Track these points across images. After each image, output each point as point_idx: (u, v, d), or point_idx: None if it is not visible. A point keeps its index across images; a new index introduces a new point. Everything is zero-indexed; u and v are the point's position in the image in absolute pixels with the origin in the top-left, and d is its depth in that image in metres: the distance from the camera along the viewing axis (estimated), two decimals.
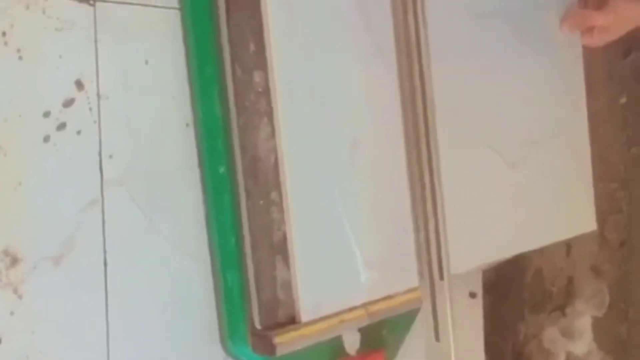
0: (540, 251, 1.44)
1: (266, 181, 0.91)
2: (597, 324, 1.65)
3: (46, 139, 0.78)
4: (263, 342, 0.87)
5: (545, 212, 1.25)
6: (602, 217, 1.68)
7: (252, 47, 0.90)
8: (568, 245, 1.58)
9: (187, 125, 0.89)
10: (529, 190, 1.22)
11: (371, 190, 0.99)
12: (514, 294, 1.48)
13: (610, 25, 1.24)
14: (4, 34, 0.75)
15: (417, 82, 0.91)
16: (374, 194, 0.99)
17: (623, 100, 1.75)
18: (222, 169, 0.89)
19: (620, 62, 1.73)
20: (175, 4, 0.88)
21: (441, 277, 0.91)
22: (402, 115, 0.92)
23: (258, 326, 0.89)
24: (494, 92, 1.17)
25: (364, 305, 0.96)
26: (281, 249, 0.91)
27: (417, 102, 0.91)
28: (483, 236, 1.15)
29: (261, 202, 0.90)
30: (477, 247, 1.14)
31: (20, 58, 0.77)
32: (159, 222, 0.86)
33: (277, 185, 0.91)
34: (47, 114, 0.78)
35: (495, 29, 1.16)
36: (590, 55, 1.62)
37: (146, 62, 0.86)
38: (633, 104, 1.75)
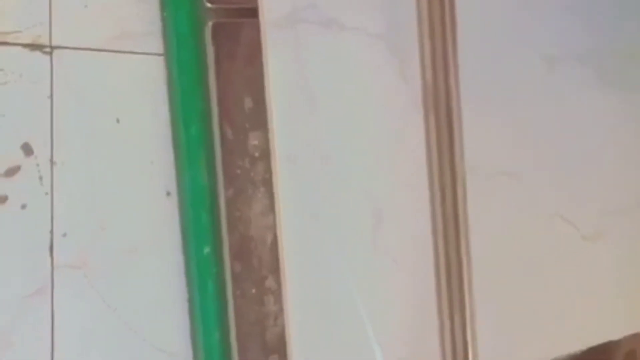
0: None
1: (260, 265, 0.76)
2: None
3: None
4: None
5: (630, 293, 1.05)
6: None
7: (247, 102, 0.75)
8: None
9: (169, 194, 0.76)
10: (611, 269, 1.03)
11: (396, 276, 0.82)
12: None
13: None
14: None
15: (446, 144, 0.74)
16: (399, 280, 0.82)
17: None
18: (207, 249, 0.75)
19: None
20: (157, 49, 0.75)
21: None
22: (428, 183, 0.75)
23: None
24: (569, 151, 0.98)
25: None
26: (277, 348, 0.76)
27: (444, 167, 0.74)
28: (553, 325, 0.97)
29: (253, 290, 0.76)
30: (544, 338, 0.96)
31: None
32: (125, 312, 0.74)
33: (275, 270, 0.76)
34: None
35: (569, 76, 0.97)
36: None
37: (117, 121, 0.73)
38: None
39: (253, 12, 0.76)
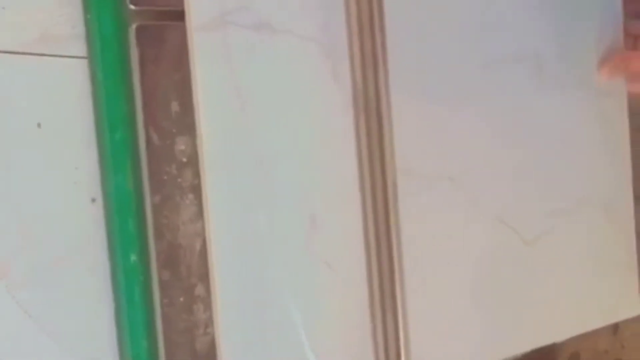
0: None
1: (189, 273, 0.75)
2: None
3: None
4: None
5: (572, 295, 1.06)
6: None
7: (174, 107, 0.74)
8: (615, 324, 1.38)
9: (94, 200, 0.74)
10: (551, 271, 1.03)
11: (330, 281, 0.81)
12: None
13: None
14: None
15: (376, 146, 0.74)
16: (334, 285, 0.82)
17: None
18: (133, 257, 0.73)
19: None
20: (81, 52, 0.73)
21: None
22: (359, 186, 0.75)
23: None
24: (508, 153, 0.98)
25: None
26: (207, 357, 0.75)
27: (375, 170, 0.74)
28: (493, 329, 0.97)
29: (182, 298, 0.74)
30: (484, 342, 0.96)
31: None
32: (49, 323, 0.72)
33: (205, 278, 0.75)
34: None
35: (507, 76, 0.97)
36: None
37: (38, 125, 0.71)
38: None
39: (179, 15, 0.74)
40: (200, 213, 0.75)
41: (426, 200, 0.88)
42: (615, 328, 1.38)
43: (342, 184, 0.81)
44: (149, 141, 0.73)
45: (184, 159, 0.75)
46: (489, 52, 0.96)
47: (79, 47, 0.73)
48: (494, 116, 0.96)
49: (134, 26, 0.73)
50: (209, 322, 0.76)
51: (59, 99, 0.73)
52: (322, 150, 0.81)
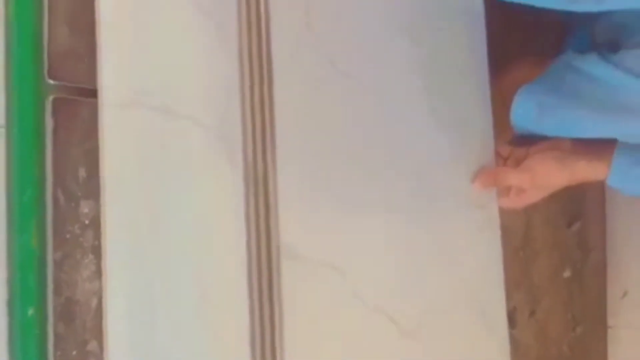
0: None
1: (84, 328, 0.81)
2: None
3: None
4: None
5: None
6: None
7: (82, 173, 0.83)
8: None
9: None
10: None
11: (217, 351, 0.89)
12: None
13: (527, 186, 1.19)
14: None
15: (264, 230, 0.84)
16: (220, 355, 0.89)
17: (567, 274, 1.67)
18: (31, 311, 0.80)
19: (564, 230, 1.67)
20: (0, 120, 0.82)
21: None
22: (246, 265, 0.85)
23: None
24: (390, 246, 1.09)
25: None
26: None
27: (261, 253, 0.85)
28: None
29: (74, 352, 0.80)
30: None
31: None
32: None
33: (98, 334, 0.82)
34: None
35: (392, 182, 1.09)
36: (530, 222, 1.56)
37: None
38: (578, 277, 1.67)
39: (92, 92, 0.85)
40: (98, 272, 0.83)
41: (309, 285, 0.97)
42: None
43: (232, 260, 0.90)
44: (55, 202, 0.82)
45: (87, 221, 0.84)
46: (375, 161, 1.08)
47: None
48: (380, 212, 1.08)
49: (50, 98, 0.83)
50: None
51: None
52: (215, 226, 0.91)
